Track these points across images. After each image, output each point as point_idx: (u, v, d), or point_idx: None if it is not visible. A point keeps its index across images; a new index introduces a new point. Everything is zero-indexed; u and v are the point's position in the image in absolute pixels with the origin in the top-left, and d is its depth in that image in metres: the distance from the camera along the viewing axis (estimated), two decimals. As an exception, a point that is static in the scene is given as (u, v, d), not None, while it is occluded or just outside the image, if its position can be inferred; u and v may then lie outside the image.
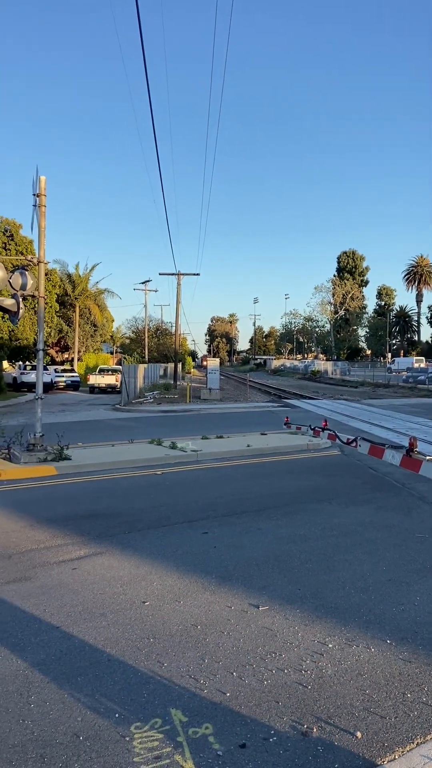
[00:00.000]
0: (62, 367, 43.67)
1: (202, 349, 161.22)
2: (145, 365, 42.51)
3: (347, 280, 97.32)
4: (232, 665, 4.01)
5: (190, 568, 5.92)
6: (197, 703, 3.58)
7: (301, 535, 6.99)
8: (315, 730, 3.31)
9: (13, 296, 11.82)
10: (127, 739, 3.24)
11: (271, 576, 5.68)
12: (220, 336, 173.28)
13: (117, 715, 3.45)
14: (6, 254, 31.43)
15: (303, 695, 3.66)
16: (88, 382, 39.32)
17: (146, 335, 65.67)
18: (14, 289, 11.70)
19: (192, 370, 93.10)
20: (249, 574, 5.75)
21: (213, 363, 36.19)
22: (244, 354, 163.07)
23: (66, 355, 53.70)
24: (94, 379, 38.40)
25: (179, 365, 50.52)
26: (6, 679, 3.85)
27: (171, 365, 52.09)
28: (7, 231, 33.33)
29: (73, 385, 40.22)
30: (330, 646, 4.29)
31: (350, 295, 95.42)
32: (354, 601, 5.05)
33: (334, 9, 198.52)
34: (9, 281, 11.55)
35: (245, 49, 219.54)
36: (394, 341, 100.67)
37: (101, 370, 40.36)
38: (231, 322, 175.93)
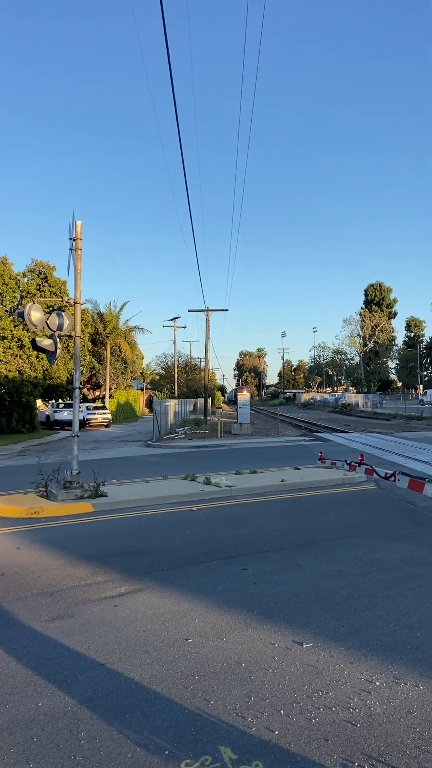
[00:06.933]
0: (94, 405, 44.19)
1: (230, 384, 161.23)
2: (176, 401, 42.75)
3: (375, 312, 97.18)
4: (279, 703, 3.99)
5: (231, 605, 5.91)
6: (246, 740, 3.57)
7: (341, 571, 6.93)
8: (367, 769, 3.27)
9: (51, 337, 12.16)
10: (178, 776, 3.25)
11: (313, 612, 5.64)
12: (248, 370, 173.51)
13: (166, 752, 3.47)
14: (41, 296, 32.34)
15: (352, 733, 3.62)
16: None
17: (176, 371, 66.27)
18: (51, 329, 12.04)
19: (222, 404, 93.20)
20: (291, 610, 5.72)
21: (243, 397, 36.18)
22: (273, 388, 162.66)
23: (97, 393, 54.36)
24: None
25: (209, 400, 50.68)
26: (56, 716, 3.90)
27: (201, 400, 52.29)
28: (41, 273, 34.37)
29: (106, 423, 40.60)
30: (377, 683, 4.23)
31: (379, 328, 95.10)
32: (399, 638, 4.98)
33: (379, 42, 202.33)
34: (46, 322, 11.89)
35: (276, 80, 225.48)
36: (425, 373, 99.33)
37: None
38: (259, 357, 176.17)
